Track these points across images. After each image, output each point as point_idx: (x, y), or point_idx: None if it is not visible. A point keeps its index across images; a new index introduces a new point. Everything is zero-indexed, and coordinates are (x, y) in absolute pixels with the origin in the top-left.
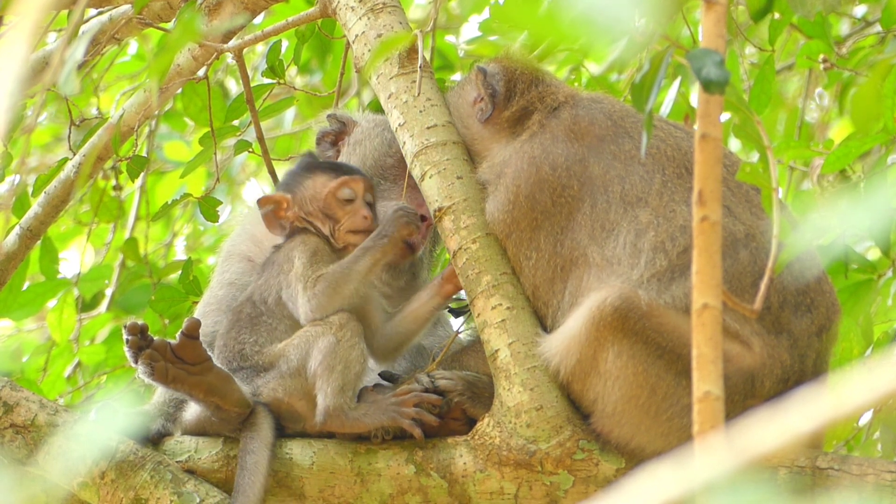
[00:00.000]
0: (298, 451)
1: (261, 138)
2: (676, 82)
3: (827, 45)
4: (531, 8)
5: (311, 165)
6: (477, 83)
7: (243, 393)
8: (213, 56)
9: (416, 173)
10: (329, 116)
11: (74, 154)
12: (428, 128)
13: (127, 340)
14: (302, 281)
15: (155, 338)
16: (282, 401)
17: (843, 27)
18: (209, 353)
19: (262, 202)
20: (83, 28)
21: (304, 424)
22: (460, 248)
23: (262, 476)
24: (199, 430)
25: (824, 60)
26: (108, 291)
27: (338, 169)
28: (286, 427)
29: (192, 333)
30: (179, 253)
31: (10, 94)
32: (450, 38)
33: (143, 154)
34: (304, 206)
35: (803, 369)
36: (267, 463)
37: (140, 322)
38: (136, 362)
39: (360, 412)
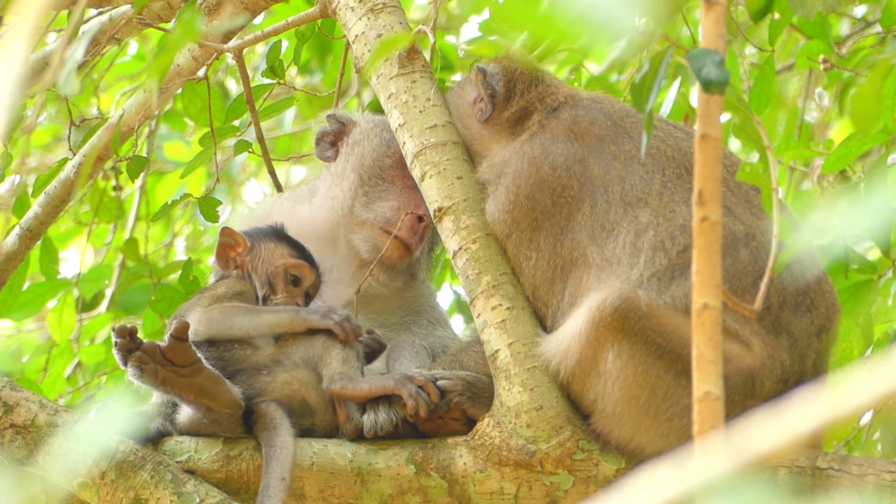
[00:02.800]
0: (298, 452)
1: (261, 138)
2: (676, 82)
3: (827, 45)
4: (531, 8)
5: (282, 235)
6: (477, 83)
7: (234, 394)
8: (213, 56)
9: (415, 173)
10: (328, 117)
11: (74, 154)
12: (428, 128)
13: (116, 343)
14: (207, 301)
15: (144, 340)
16: (297, 393)
17: (843, 27)
18: (199, 354)
19: (224, 232)
20: (83, 28)
21: (313, 420)
22: (460, 249)
23: (291, 467)
24: (192, 431)
25: (824, 61)
26: (108, 292)
27: (303, 253)
28: (293, 425)
29: (180, 335)
30: (179, 253)
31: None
32: (450, 38)
33: (143, 154)
34: (255, 261)
35: (803, 369)
36: (293, 457)
37: (129, 325)
38: (125, 365)
39: (366, 378)
